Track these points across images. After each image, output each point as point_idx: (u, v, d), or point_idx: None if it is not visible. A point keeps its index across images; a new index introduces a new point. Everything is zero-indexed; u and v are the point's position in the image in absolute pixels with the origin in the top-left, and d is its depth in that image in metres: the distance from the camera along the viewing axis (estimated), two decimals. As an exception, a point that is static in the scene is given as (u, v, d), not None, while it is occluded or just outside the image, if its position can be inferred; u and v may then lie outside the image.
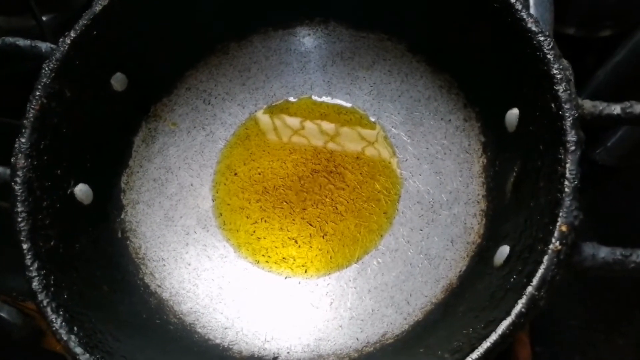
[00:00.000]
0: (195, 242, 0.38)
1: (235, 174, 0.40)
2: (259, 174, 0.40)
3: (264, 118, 0.42)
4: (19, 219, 0.29)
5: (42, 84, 0.32)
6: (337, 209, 0.38)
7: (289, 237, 0.38)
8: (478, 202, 0.35)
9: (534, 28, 0.29)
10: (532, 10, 0.43)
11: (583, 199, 0.50)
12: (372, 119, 0.41)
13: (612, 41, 0.44)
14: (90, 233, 0.34)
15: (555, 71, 0.28)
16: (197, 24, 0.39)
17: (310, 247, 0.37)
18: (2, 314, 0.42)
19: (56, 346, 0.45)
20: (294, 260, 0.37)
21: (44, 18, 0.49)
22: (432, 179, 0.37)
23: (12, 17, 0.53)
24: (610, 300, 0.44)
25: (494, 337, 0.24)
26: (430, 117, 0.39)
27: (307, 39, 0.42)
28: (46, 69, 0.32)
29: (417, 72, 0.40)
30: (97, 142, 0.36)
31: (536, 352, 0.42)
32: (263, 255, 0.37)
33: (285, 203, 0.39)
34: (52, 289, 0.28)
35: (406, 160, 0.38)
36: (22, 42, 0.34)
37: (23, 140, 0.31)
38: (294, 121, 0.41)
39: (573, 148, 0.26)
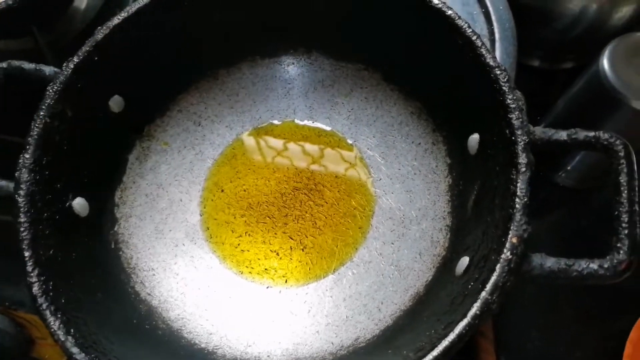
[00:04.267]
0: (184, 253, 0.40)
1: (222, 191, 0.42)
2: (244, 190, 0.42)
3: (249, 139, 0.44)
4: (22, 229, 0.31)
5: (46, 104, 0.33)
6: (316, 223, 0.41)
7: (271, 250, 0.40)
8: (444, 218, 0.38)
9: (491, 63, 0.32)
10: (497, 44, 0.46)
11: (546, 218, 0.53)
12: (350, 142, 0.43)
13: (574, 72, 0.45)
14: (85, 243, 0.36)
15: (509, 101, 0.30)
16: (190, 52, 0.41)
17: (291, 259, 0.40)
18: (-5, 322, 0.43)
19: (45, 355, 0.46)
20: (275, 271, 0.39)
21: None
22: (403, 197, 0.40)
23: (11, 40, 0.55)
24: (570, 316, 0.46)
25: (451, 336, 0.26)
26: (402, 141, 0.41)
27: (292, 68, 0.44)
28: (50, 90, 0.34)
29: (390, 100, 0.42)
30: (95, 159, 0.38)
31: (501, 361, 0.44)
32: (247, 267, 0.40)
33: (268, 218, 0.41)
34: (51, 293, 0.30)
35: (380, 179, 0.41)
36: (27, 65, 0.35)
37: (27, 156, 0.32)
38: (277, 142, 0.44)
39: (524, 169, 0.29)
